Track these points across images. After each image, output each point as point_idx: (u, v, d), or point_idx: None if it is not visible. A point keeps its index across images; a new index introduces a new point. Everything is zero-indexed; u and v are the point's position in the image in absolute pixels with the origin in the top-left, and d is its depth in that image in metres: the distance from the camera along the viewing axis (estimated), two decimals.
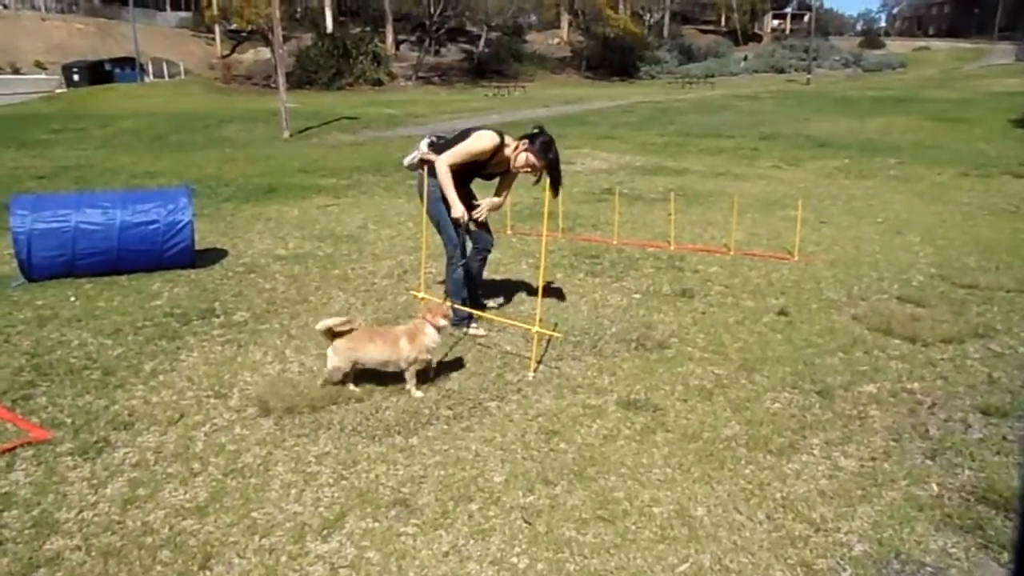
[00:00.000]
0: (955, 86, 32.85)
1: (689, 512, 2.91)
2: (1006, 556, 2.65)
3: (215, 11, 42.67)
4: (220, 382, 4.10)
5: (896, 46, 67.27)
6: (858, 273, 6.22)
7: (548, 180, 4.61)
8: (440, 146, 4.69)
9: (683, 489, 3.07)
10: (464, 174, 4.70)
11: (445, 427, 3.59)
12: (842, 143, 15.80)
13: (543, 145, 4.59)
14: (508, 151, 4.69)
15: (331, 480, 3.14)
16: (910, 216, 8.65)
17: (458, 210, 4.54)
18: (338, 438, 3.48)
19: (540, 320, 4.49)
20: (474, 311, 4.87)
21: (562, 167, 4.74)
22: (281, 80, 20.12)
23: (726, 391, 3.98)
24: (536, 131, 4.67)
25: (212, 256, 6.72)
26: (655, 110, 24.97)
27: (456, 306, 4.80)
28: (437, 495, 3.03)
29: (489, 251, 5.07)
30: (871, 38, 71.65)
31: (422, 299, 4.71)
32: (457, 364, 4.32)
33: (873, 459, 3.31)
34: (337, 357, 3.86)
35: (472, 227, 4.78)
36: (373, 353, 3.91)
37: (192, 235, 6.21)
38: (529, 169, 4.67)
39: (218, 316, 5.17)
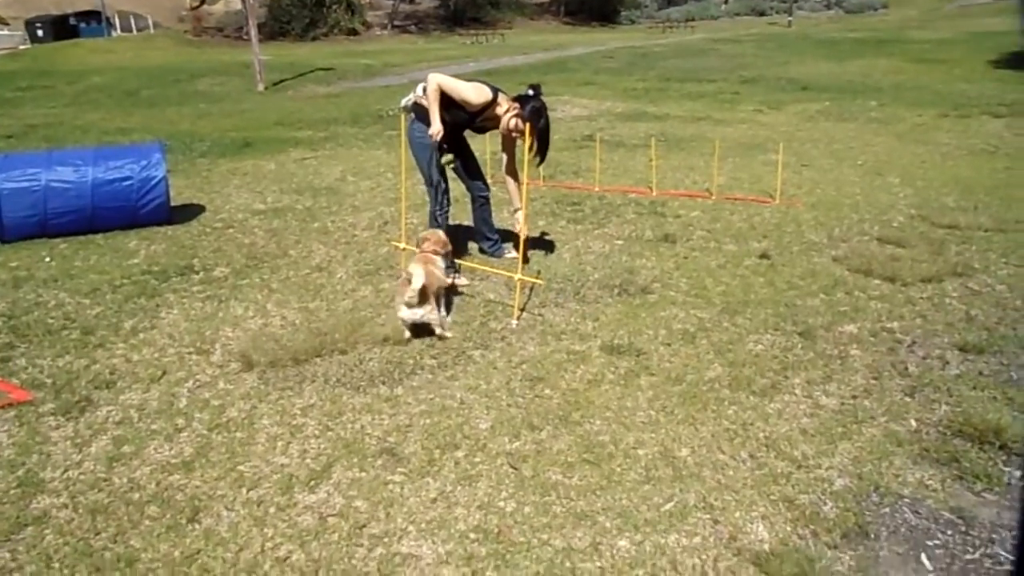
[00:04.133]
0: (936, 26, 32.59)
1: (673, 453, 2.95)
2: (979, 486, 2.72)
3: None
4: (201, 338, 4.07)
5: None
6: (839, 215, 6.24)
7: (535, 147, 4.52)
8: None
9: (667, 431, 3.10)
10: (454, 124, 4.61)
11: (430, 376, 3.60)
12: (823, 86, 15.70)
13: (534, 111, 4.50)
14: (499, 110, 4.59)
15: (317, 432, 3.15)
16: (890, 158, 8.66)
17: (436, 126, 4.46)
18: (322, 390, 3.48)
19: (522, 268, 4.47)
20: (457, 260, 4.84)
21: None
22: (253, 32, 19.58)
23: (709, 334, 4.01)
24: (530, 92, 4.56)
25: (189, 212, 6.61)
26: (636, 55, 24.61)
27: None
28: (423, 443, 3.04)
29: (486, 196, 5.05)
30: None
31: (403, 249, 4.68)
32: None
33: (854, 397, 3.37)
34: (431, 306, 3.92)
35: (447, 160, 4.69)
36: (440, 283, 4.13)
37: (167, 191, 6.10)
38: (517, 134, 4.59)
39: (197, 272, 5.11)
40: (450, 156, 4.68)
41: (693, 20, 45.64)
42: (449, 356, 3.79)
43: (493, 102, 4.57)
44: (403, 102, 4.88)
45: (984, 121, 11.13)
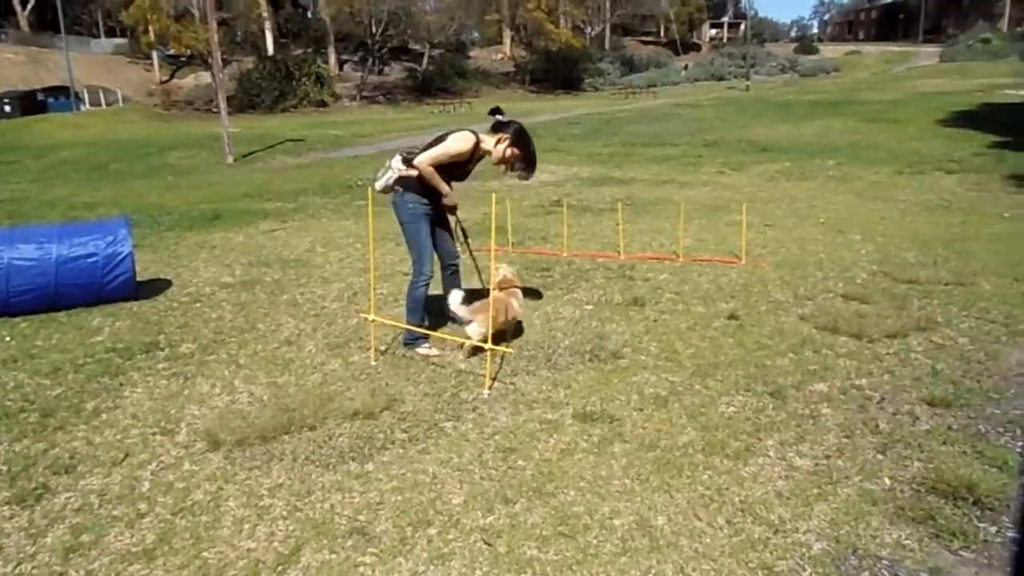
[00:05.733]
0: (886, 88, 33.99)
1: (649, 522, 2.91)
2: (956, 544, 2.71)
3: (152, 37, 41.78)
4: (166, 417, 3.97)
5: (829, 51, 69.36)
6: (804, 273, 6.35)
7: (524, 168, 4.71)
8: (413, 158, 4.60)
9: (643, 499, 3.06)
10: (450, 180, 4.67)
11: (401, 451, 3.53)
12: (782, 147, 16.20)
13: (518, 133, 4.66)
14: (486, 145, 4.68)
15: (285, 513, 3.05)
16: (851, 215, 8.89)
17: (447, 191, 4.53)
18: (291, 468, 3.39)
19: (493, 336, 4.46)
20: (428, 332, 4.81)
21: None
22: (222, 105, 19.80)
23: (681, 398, 4.01)
24: (503, 120, 4.69)
25: (156, 287, 6.53)
26: (600, 121, 25.25)
27: (410, 327, 4.76)
28: (395, 521, 2.97)
29: (456, 264, 5.01)
30: (805, 44, 73.69)
31: (372, 321, 4.64)
32: (411, 385, 4.26)
33: (827, 457, 3.36)
34: (481, 327, 4.44)
35: (459, 230, 4.83)
36: (514, 314, 4.79)
37: (133, 266, 6.03)
38: (514, 159, 4.70)
39: (163, 349, 5.02)
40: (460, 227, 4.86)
41: (655, 86, 47.19)
42: (420, 429, 3.74)
43: (477, 143, 4.65)
44: (379, 184, 4.71)
45: (937, 177, 11.53)
